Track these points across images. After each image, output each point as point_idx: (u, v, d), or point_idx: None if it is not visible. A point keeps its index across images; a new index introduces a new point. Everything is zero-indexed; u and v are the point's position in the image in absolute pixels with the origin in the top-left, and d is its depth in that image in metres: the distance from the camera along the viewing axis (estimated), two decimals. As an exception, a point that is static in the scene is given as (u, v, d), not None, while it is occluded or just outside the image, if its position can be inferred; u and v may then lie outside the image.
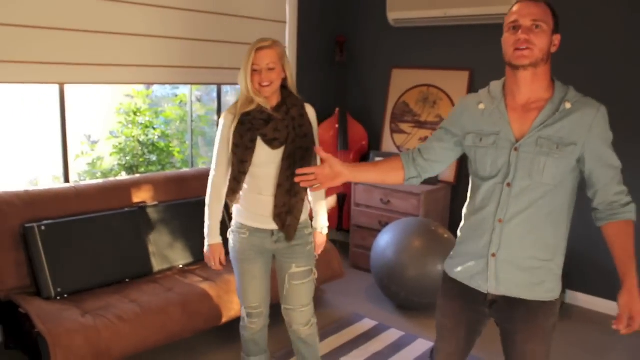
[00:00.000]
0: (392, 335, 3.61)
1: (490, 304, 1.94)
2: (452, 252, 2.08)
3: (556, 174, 1.80)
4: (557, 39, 1.83)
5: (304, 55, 4.94)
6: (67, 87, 3.55)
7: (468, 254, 1.97)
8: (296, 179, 1.95)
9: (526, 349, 1.91)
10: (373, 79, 5.17)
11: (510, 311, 1.92)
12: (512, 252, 1.86)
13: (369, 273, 4.55)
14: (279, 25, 4.67)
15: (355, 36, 5.20)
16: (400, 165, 2.06)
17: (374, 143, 5.13)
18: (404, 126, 4.89)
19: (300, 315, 2.65)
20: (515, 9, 1.81)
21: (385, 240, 3.90)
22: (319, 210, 2.73)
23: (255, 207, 2.53)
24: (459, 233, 2.06)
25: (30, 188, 3.30)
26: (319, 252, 2.78)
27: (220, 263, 2.62)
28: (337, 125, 5.01)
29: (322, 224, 2.75)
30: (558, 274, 1.91)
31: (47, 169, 3.70)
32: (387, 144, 4.96)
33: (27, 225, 3.08)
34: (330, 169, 1.94)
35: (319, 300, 4.11)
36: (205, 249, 2.63)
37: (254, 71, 2.41)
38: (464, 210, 2.04)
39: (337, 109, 5.04)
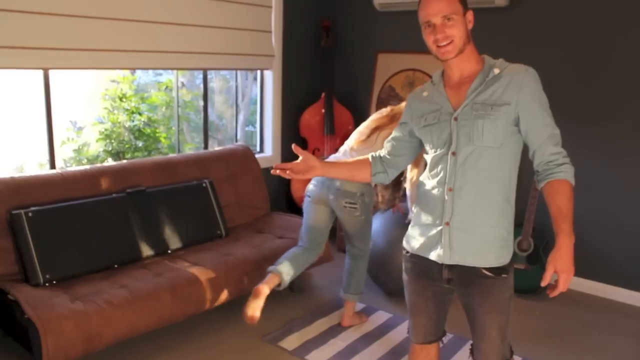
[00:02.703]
0: (380, 316, 3.66)
1: (448, 281, 2.04)
2: (409, 229, 2.17)
3: (495, 135, 1.89)
4: (469, 15, 1.95)
5: (290, 40, 4.92)
6: (51, 73, 3.51)
7: (423, 226, 2.06)
8: (272, 171, 2.05)
9: (485, 320, 2.03)
10: (359, 64, 5.17)
11: (466, 288, 2.03)
12: (464, 219, 1.95)
13: (356, 257, 4.57)
14: (265, 10, 4.64)
15: (341, 20, 5.19)
16: (368, 162, 2.20)
17: (360, 128, 5.13)
18: (389, 110, 4.90)
19: None
20: (423, 6, 1.93)
21: (374, 227, 3.87)
22: None
23: None
24: (413, 210, 2.17)
25: (16, 174, 3.28)
26: None
27: None
28: (323, 110, 5.02)
29: None
30: (508, 240, 2.01)
31: (33, 155, 3.67)
32: (373, 129, 4.97)
33: (13, 211, 3.06)
34: (305, 163, 2.05)
35: (307, 284, 4.14)
36: None
37: None
38: (417, 187, 2.14)
39: (323, 94, 5.04)
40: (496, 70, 1.91)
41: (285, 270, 3.31)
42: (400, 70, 4.87)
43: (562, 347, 3.37)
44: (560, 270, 1.79)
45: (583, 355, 3.29)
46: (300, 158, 2.05)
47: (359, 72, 5.18)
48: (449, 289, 2.09)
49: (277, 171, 2.03)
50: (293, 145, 2.09)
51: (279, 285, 3.29)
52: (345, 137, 5.05)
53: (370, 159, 2.21)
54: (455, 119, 1.94)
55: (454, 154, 1.94)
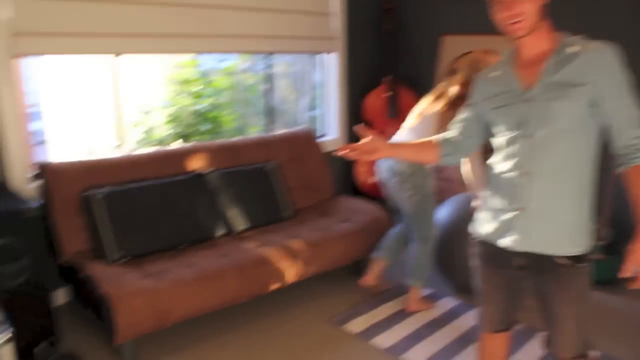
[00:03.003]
0: (448, 303, 3.57)
1: (520, 269, 1.95)
2: (477, 213, 2.09)
3: (571, 118, 1.78)
4: None
5: (353, 24, 4.87)
6: (122, 58, 3.59)
7: (495, 211, 1.97)
8: (335, 152, 2.03)
9: (559, 311, 1.93)
10: (423, 47, 5.06)
11: (540, 276, 1.93)
12: (539, 205, 1.85)
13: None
14: (326, -8, 4.61)
15: (405, 3, 5.09)
16: (436, 144, 2.12)
17: (425, 111, 5.03)
18: (455, 93, 4.78)
19: None
20: None
21: (443, 218, 3.63)
22: None
23: None
24: (484, 193, 2.07)
25: (89, 157, 3.37)
26: None
27: None
28: (387, 94, 4.94)
29: None
30: (585, 227, 1.90)
31: (104, 138, 3.77)
32: (438, 112, 4.87)
33: (87, 192, 3.15)
34: (370, 144, 1.99)
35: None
36: None
37: None
38: (488, 169, 2.04)
39: (387, 77, 4.96)
40: (573, 49, 1.79)
41: (387, 254, 3.55)
42: (466, 53, 4.73)
43: (641, 337, 3.21)
44: None
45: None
46: (366, 139, 2.00)
47: (424, 54, 5.07)
48: (522, 276, 1.99)
49: (342, 152, 1.99)
50: (357, 126, 2.04)
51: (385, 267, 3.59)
52: (410, 120, 4.99)
53: (438, 140, 2.13)
54: (528, 100, 1.84)
55: (527, 136, 1.84)
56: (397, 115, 4.90)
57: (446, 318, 3.39)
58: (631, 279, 1.71)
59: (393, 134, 3.59)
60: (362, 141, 2.00)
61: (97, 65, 3.64)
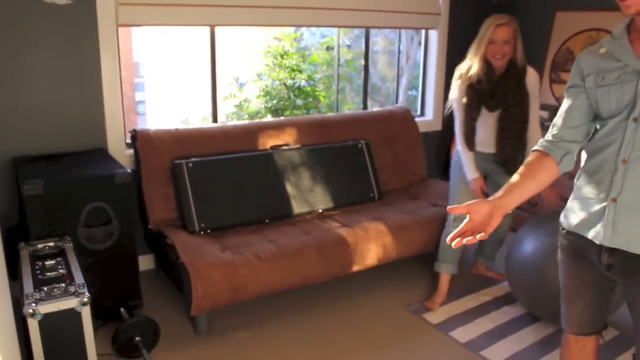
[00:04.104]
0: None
1: (608, 268, 1.74)
2: (568, 203, 1.87)
3: None
4: None
5: (458, -2, 4.64)
6: (217, 30, 3.62)
7: (585, 200, 1.77)
8: (453, 245, 1.67)
9: None
10: (533, 23, 4.73)
11: (629, 279, 1.71)
12: (635, 197, 1.63)
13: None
14: (433, -35, 4.41)
15: (517, -24, 4.78)
16: (544, 153, 1.78)
17: (531, 94, 4.73)
18: (565, 76, 4.45)
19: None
20: None
21: (530, 248, 3.01)
22: None
23: (478, 142, 3.17)
24: (576, 180, 1.85)
25: (181, 126, 3.44)
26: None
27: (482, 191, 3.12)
28: (490, 74, 4.68)
29: None
30: None
31: (198, 109, 3.84)
32: (546, 95, 4.56)
33: (176, 161, 3.22)
34: (479, 214, 1.64)
35: (462, 259, 3.94)
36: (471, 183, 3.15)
37: (490, 43, 2.97)
38: (582, 153, 1.82)
39: (492, 56, 4.69)
40: None
41: (482, 252, 3.65)
42: (582, 31, 4.38)
43: None
44: None
45: None
46: (471, 211, 1.64)
47: (533, 33, 4.74)
48: (609, 276, 1.79)
49: (456, 243, 1.64)
50: (448, 209, 1.69)
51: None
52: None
53: (543, 149, 1.79)
54: None
55: (635, 120, 1.62)
56: (500, 97, 4.64)
57: (531, 318, 3.19)
58: None
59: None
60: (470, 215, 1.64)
61: (195, 36, 3.70)
